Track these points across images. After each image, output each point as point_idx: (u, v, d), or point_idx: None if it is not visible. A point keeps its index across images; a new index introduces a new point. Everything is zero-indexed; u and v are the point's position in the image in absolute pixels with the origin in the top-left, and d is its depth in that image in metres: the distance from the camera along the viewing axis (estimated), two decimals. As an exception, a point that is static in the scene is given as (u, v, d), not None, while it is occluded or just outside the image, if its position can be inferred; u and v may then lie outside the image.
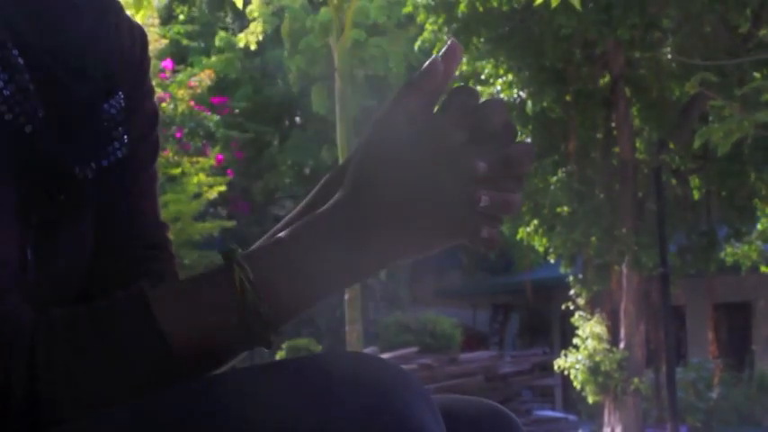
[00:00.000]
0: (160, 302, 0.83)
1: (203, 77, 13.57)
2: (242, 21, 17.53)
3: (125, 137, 1.00)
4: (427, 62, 0.86)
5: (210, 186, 12.30)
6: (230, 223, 13.29)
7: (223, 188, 12.63)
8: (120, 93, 1.01)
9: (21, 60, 0.91)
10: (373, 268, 0.87)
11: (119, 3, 1.08)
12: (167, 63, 13.30)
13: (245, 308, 0.82)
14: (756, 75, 10.26)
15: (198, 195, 12.19)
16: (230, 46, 18.61)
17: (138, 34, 1.09)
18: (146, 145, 1.06)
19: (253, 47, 15.54)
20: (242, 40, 15.43)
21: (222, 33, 18.99)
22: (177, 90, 12.91)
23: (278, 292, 0.83)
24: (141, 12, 4.48)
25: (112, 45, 1.02)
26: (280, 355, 14.58)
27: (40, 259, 0.92)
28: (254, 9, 15.22)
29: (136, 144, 1.02)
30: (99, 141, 0.97)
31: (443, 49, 0.87)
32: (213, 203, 14.81)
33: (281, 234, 0.86)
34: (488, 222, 0.83)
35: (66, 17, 0.97)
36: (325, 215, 0.85)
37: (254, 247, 0.87)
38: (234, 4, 5.06)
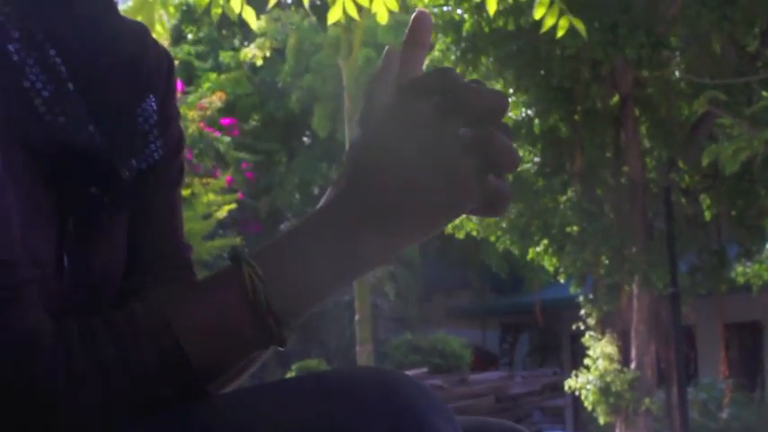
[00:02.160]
0: (174, 308, 0.83)
1: (214, 99, 13.62)
2: (250, 41, 17.62)
3: (159, 141, 1.00)
4: (384, 52, 0.87)
5: (220, 206, 12.33)
6: (237, 240, 13.32)
7: (233, 206, 12.67)
8: (153, 96, 1.01)
9: (59, 60, 0.91)
10: (385, 255, 0.85)
11: (144, 25, 1.09)
12: (177, 84, 13.35)
13: (258, 304, 0.82)
14: (765, 93, 10.23)
15: (208, 216, 12.22)
16: (238, 65, 18.70)
17: (165, 56, 1.09)
18: (173, 165, 1.07)
19: (259, 62, 15.59)
20: (248, 54, 15.49)
21: (229, 52, 19.08)
22: (188, 111, 12.95)
23: (288, 285, 0.83)
24: (155, 32, 4.51)
25: (141, 51, 1.03)
26: (289, 375, 14.57)
27: (77, 265, 0.92)
28: (261, 27, 15.29)
29: (166, 161, 1.02)
30: (138, 141, 0.97)
31: (410, 22, 0.87)
32: (223, 225, 14.83)
33: (287, 231, 0.86)
34: (489, 175, 0.82)
35: (98, 19, 0.98)
36: (328, 208, 0.85)
37: (261, 246, 0.87)
38: (243, 23, 5.09)
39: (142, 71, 1.01)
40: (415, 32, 0.88)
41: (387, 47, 0.88)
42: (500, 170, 0.83)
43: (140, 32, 1.06)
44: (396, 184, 0.81)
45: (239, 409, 0.78)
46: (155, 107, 1.01)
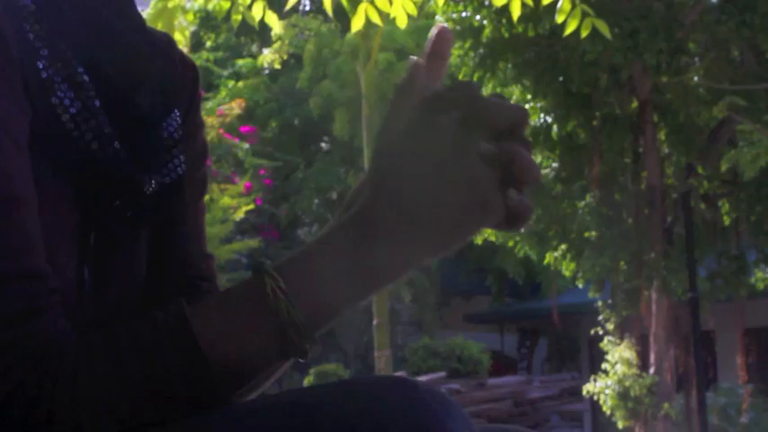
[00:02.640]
0: (197, 319, 0.83)
1: (233, 106, 13.66)
2: (268, 47, 17.66)
3: (182, 157, 1.01)
4: (409, 63, 0.87)
5: (236, 209, 12.35)
6: (255, 242, 13.31)
7: (252, 206, 12.67)
8: (177, 111, 1.03)
9: (86, 77, 0.93)
10: (405, 268, 0.85)
11: (170, 36, 1.11)
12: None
13: (280, 316, 0.83)
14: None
15: (225, 220, 12.25)
16: (255, 71, 18.72)
17: (191, 68, 1.11)
18: (197, 176, 1.08)
19: (276, 65, 15.59)
20: (266, 59, 15.49)
21: (248, 59, 19.10)
22: (207, 118, 13.00)
23: (309, 298, 0.83)
24: (175, 39, 4.54)
25: (166, 67, 1.04)
26: (307, 380, 14.56)
27: (98, 279, 0.94)
28: (278, 32, 15.32)
29: (188, 174, 1.03)
30: (162, 157, 0.99)
31: (432, 36, 0.88)
32: (242, 231, 14.86)
33: (309, 244, 0.86)
34: (510, 190, 0.82)
35: (123, 36, 0.99)
36: (349, 220, 0.84)
37: (283, 259, 0.86)
38: (261, 29, 5.12)
39: (168, 87, 1.02)
40: (436, 45, 0.89)
41: (411, 58, 0.88)
42: (521, 185, 0.82)
43: (167, 45, 1.08)
44: (417, 198, 0.81)
45: (259, 418, 0.79)
46: (179, 122, 1.02)
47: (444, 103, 0.82)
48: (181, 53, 1.11)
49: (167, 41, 1.09)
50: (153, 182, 0.95)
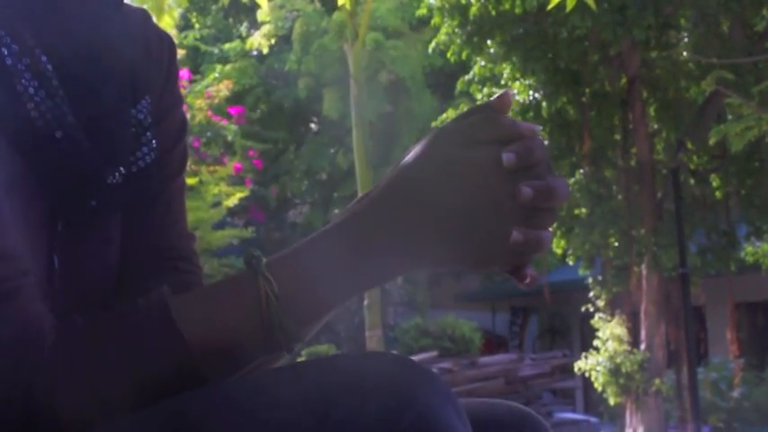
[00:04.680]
0: (181, 307, 0.83)
1: (221, 88, 13.61)
2: (257, 29, 17.57)
3: (153, 142, 1.00)
4: (501, 92, 0.88)
5: (229, 196, 12.34)
6: (248, 232, 13.32)
7: (245, 193, 12.67)
8: (148, 98, 1.01)
9: (50, 66, 0.92)
10: (398, 273, 0.87)
11: (146, 12, 1.09)
12: (184, 73, 13.34)
13: (270, 320, 0.83)
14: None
15: (217, 204, 12.23)
16: (243, 54, 18.64)
17: (166, 43, 1.09)
18: (173, 155, 1.06)
19: (265, 50, 15.54)
20: (254, 43, 15.45)
21: (235, 43, 19.02)
22: (195, 100, 12.94)
23: (302, 304, 0.84)
24: (162, 21, 4.50)
25: (138, 51, 1.02)
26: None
27: (67, 266, 0.92)
28: (266, 13, 15.26)
29: (164, 153, 1.02)
30: (128, 146, 0.97)
31: (498, 96, 0.89)
32: (231, 212, 14.84)
33: (304, 243, 0.86)
34: (519, 256, 0.86)
35: (91, 23, 0.98)
36: (349, 222, 0.85)
37: (276, 256, 0.87)
38: (250, 10, 5.08)
39: (139, 74, 1.00)
40: (497, 105, 0.88)
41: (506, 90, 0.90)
42: (530, 257, 0.87)
43: (142, 23, 1.05)
44: (440, 217, 0.82)
45: (232, 399, 0.78)
46: (149, 108, 1.01)
47: (498, 139, 0.84)
48: (156, 28, 1.09)
49: (142, 18, 1.07)
50: (117, 173, 0.94)
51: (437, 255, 0.84)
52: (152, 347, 0.82)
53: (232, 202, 12.35)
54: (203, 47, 17.27)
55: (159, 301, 0.83)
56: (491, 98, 0.89)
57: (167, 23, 4.76)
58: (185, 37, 15.57)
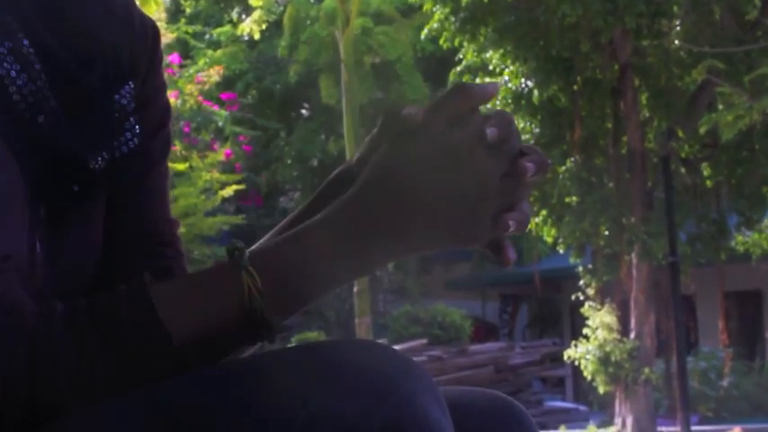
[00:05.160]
0: (162, 295, 0.83)
1: (212, 73, 13.57)
2: (248, 14, 17.52)
3: (137, 128, 1.00)
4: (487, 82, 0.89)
5: (223, 186, 12.33)
6: (239, 219, 13.32)
7: (242, 186, 12.68)
8: (131, 83, 1.01)
9: (32, 50, 0.91)
10: (385, 261, 0.88)
11: None
12: (174, 58, 13.29)
13: (253, 313, 0.83)
14: (764, 62, 10.21)
15: (208, 190, 12.21)
16: (234, 39, 18.60)
17: (150, 28, 1.08)
18: (157, 140, 1.06)
19: (256, 36, 15.51)
20: (245, 29, 15.42)
21: (226, 27, 18.98)
22: (185, 85, 12.90)
23: (285, 297, 0.84)
24: (148, 8, 4.48)
25: (122, 35, 1.02)
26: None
27: (50, 252, 0.92)
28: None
29: (147, 139, 1.02)
30: (111, 131, 0.97)
31: (486, 85, 0.89)
32: (222, 198, 14.82)
33: (288, 235, 0.86)
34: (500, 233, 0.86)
35: (74, 7, 0.97)
36: (336, 211, 0.85)
37: (259, 247, 0.87)
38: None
39: (123, 58, 1.00)
40: (480, 92, 0.87)
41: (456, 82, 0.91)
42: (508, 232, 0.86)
43: (126, 6, 1.04)
44: (424, 204, 0.82)
45: (214, 385, 0.78)
46: (133, 93, 1.00)
47: (481, 122, 0.84)
48: (140, 12, 1.08)
49: (126, 3, 1.05)
50: (100, 157, 0.94)
51: (425, 241, 0.85)
52: (132, 335, 0.81)
53: (227, 192, 12.36)
54: (192, 42, 17.18)
55: (140, 289, 0.83)
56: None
57: (151, 11, 4.73)
58: (177, 29, 15.51)
